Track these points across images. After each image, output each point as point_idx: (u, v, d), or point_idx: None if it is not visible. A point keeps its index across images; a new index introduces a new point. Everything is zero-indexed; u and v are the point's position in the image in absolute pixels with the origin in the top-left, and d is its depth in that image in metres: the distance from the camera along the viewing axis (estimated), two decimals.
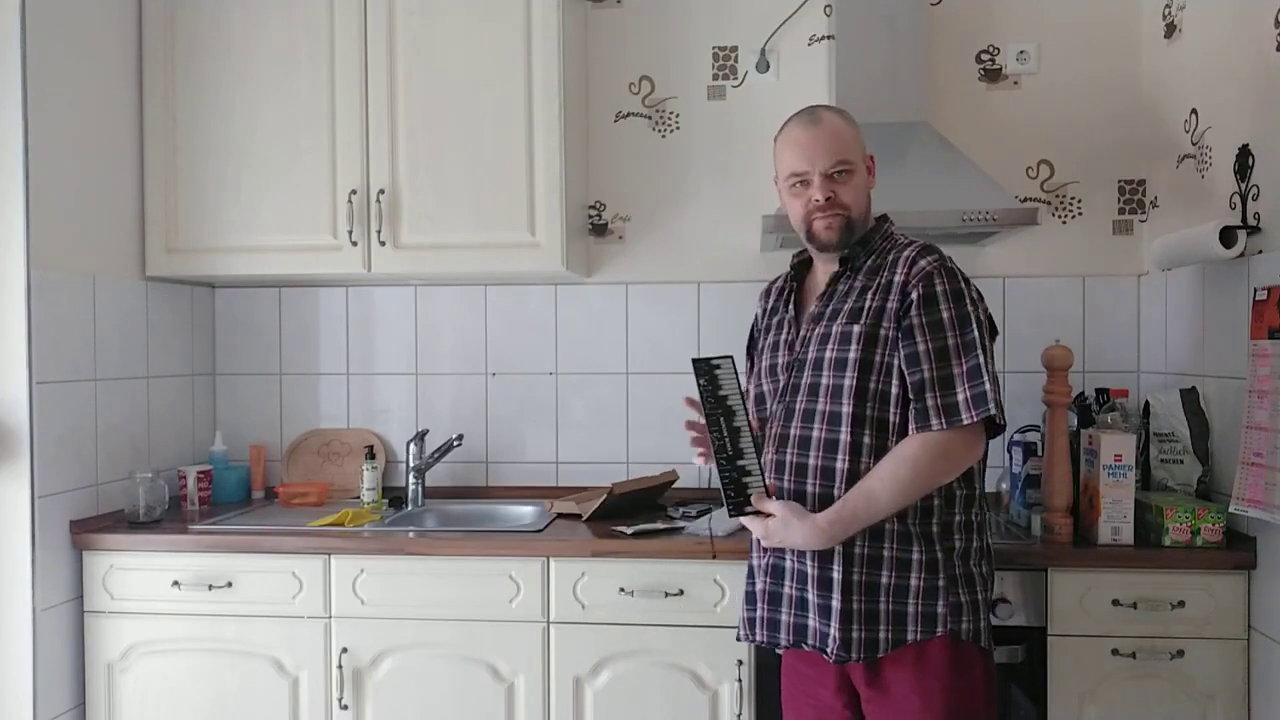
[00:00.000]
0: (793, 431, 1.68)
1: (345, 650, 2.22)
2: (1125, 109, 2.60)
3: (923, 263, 1.63)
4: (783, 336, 1.77)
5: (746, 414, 1.61)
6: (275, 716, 2.25)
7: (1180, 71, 2.38)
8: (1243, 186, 2.06)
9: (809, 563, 1.64)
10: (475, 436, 2.80)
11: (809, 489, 1.64)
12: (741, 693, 2.11)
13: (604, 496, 2.37)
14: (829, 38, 2.66)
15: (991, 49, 2.65)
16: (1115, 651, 2.02)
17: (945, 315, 1.60)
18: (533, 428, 2.81)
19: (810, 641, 1.66)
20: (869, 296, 1.66)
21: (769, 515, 1.61)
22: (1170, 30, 2.42)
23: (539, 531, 2.27)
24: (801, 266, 1.86)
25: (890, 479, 1.58)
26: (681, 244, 2.76)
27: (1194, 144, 2.30)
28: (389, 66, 2.46)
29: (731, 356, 1.63)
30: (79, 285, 2.35)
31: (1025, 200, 2.62)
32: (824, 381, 1.65)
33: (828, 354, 1.66)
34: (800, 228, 1.74)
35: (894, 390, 1.62)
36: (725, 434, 1.60)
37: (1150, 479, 2.23)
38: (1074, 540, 2.09)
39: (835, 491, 1.62)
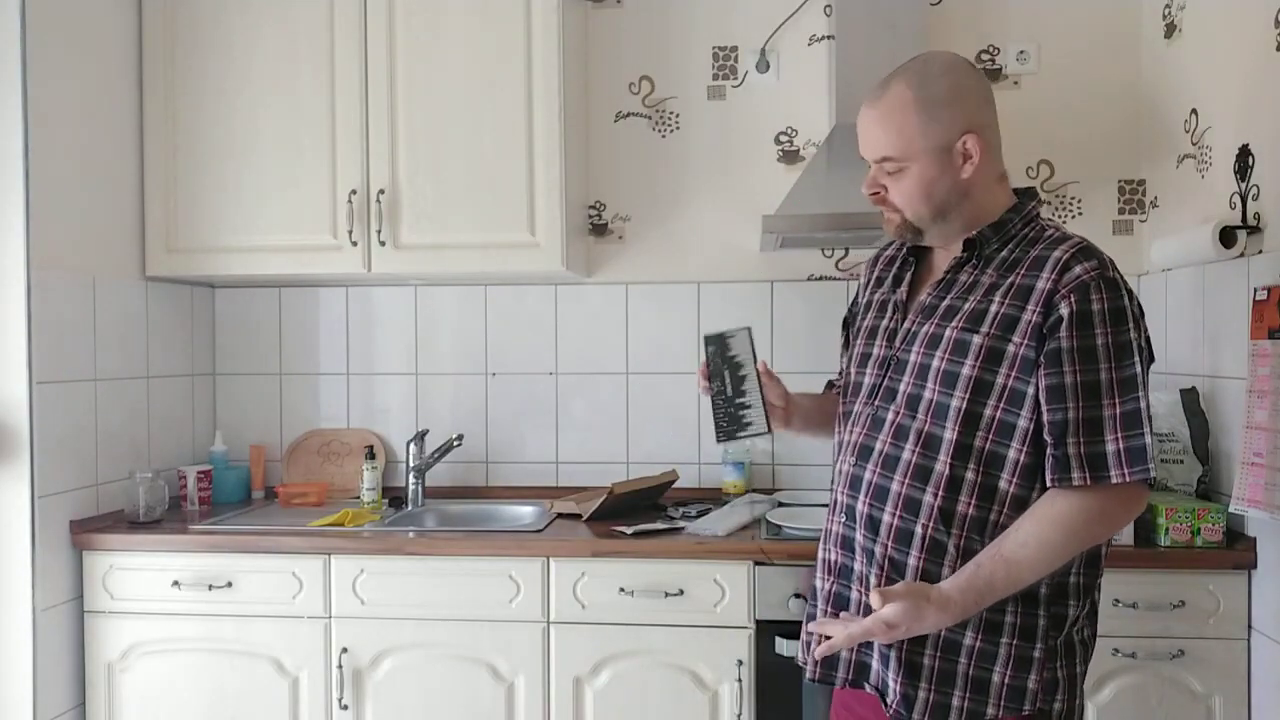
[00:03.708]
0: (878, 445, 1.42)
1: (345, 650, 2.22)
2: (1125, 109, 2.60)
3: (1077, 269, 1.33)
4: (884, 322, 1.50)
5: (755, 368, 1.56)
6: (275, 716, 2.25)
7: (1180, 71, 2.38)
8: (1243, 186, 2.06)
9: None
10: (475, 436, 2.80)
11: (885, 517, 1.40)
12: (741, 693, 2.11)
13: (604, 496, 2.37)
14: (829, 38, 2.66)
15: (991, 49, 2.65)
16: (1115, 651, 2.02)
17: (1101, 341, 1.31)
18: (533, 428, 2.81)
19: (872, 683, 1.43)
20: (997, 298, 1.37)
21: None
22: (1170, 30, 2.42)
23: (539, 531, 2.27)
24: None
25: (1036, 543, 1.29)
26: (681, 244, 2.76)
27: (1194, 144, 2.30)
28: (389, 66, 2.46)
29: (749, 327, 1.60)
30: (79, 285, 2.35)
31: None
32: (926, 395, 1.39)
33: (935, 362, 1.39)
34: None
35: (1020, 422, 1.34)
36: (728, 380, 1.57)
37: None
38: None
39: (917, 528, 1.37)
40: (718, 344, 1.60)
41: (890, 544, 1.39)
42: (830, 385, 1.78)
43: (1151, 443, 1.31)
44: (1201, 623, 2.00)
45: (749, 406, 1.55)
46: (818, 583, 1.51)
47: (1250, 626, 1.99)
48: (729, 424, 1.56)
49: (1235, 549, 2.00)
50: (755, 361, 1.56)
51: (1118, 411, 1.31)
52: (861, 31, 2.48)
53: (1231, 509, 1.92)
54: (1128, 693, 2.03)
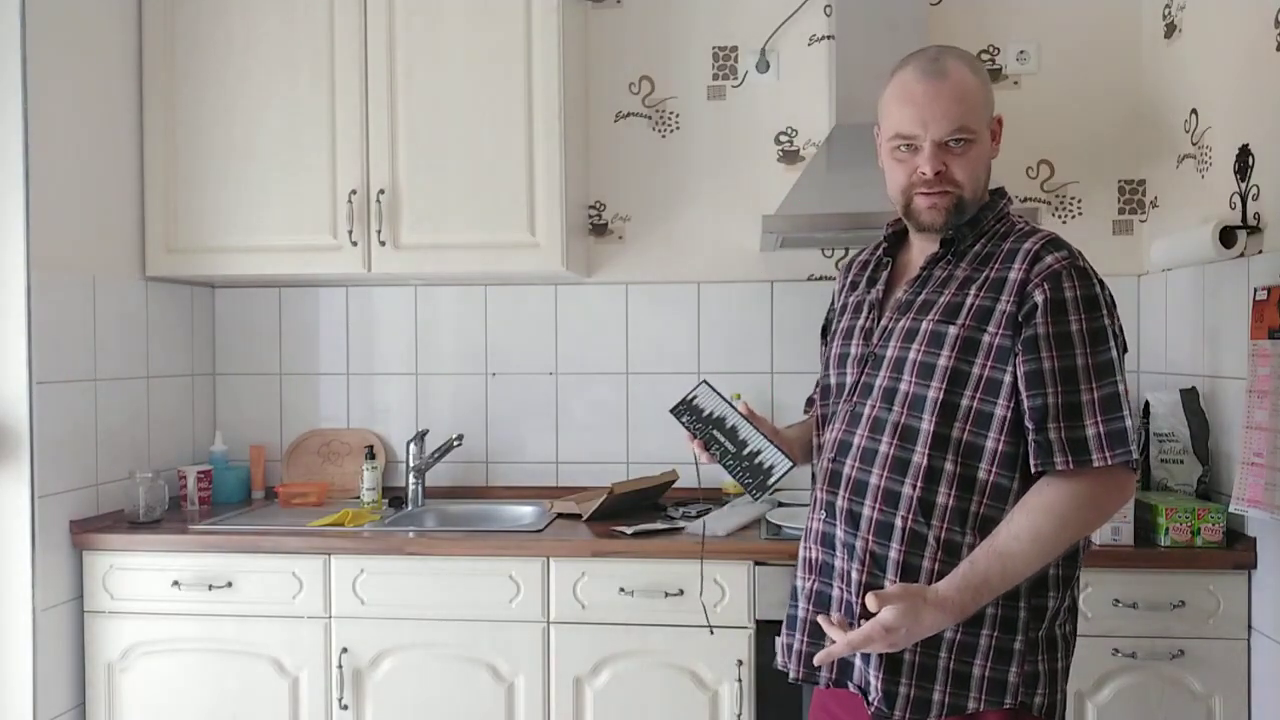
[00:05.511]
0: (856, 440, 1.44)
1: (345, 650, 2.22)
2: (1125, 109, 2.60)
3: (1049, 259, 1.36)
4: (860, 322, 1.52)
5: (738, 413, 1.54)
6: (275, 716, 2.25)
7: (1180, 71, 2.38)
8: (1243, 186, 2.06)
9: (857, 598, 1.39)
10: (475, 436, 2.80)
11: (865, 511, 1.40)
12: (741, 693, 2.11)
13: (604, 496, 2.37)
14: (829, 38, 2.66)
15: (991, 49, 2.65)
16: (1115, 651, 2.02)
17: (1075, 327, 1.34)
18: (533, 428, 2.81)
19: (855, 682, 1.42)
20: (972, 291, 1.39)
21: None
22: (1170, 30, 2.42)
23: (539, 531, 2.27)
24: (896, 238, 1.56)
25: (1029, 535, 1.29)
26: (681, 244, 2.76)
27: (1194, 144, 2.30)
28: (389, 66, 2.46)
29: (705, 380, 1.59)
30: (79, 285, 2.35)
31: (1025, 200, 2.62)
32: (902, 388, 1.40)
33: (911, 355, 1.40)
34: (898, 199, 1.47)
35: (997, 411, 1.35)
36: (724, 439, 1.53)
37: (1150, 479, 2.23)
38: None
39: (896, 521, 1.37)
40: (689, 411, 1.57)
41: (871, 537, 1.40)
42: (811, 403, 1.76)
43: (1132, 426, 1.33)
44: (1201, 623, 2.00)
45: (760, 452, 1.52)
46: (799, 582, 1.52)
47: (1250, 626, 1.99)
48: (755, 477, 1.51)
49: (1235, 549, 2.00)
50: (733, 408, 1.54)
51: (1096, 396, 1.33)
52: (861, 31, 2.48)
53: (1231, 509, 1.92)
54: (1128, 693, 2.03)
